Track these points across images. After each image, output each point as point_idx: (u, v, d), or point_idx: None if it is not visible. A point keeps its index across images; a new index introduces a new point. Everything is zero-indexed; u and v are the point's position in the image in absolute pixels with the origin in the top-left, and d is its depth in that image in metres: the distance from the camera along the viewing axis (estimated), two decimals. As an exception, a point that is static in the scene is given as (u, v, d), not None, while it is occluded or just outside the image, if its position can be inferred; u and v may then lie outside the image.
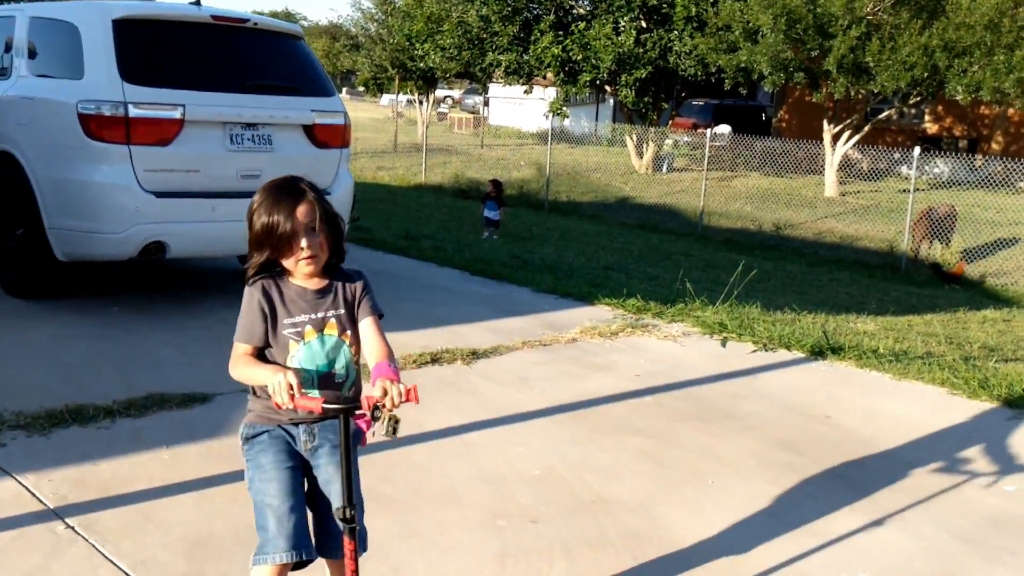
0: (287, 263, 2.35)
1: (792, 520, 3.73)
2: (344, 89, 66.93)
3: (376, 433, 2.19)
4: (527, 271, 8.56)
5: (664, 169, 22.40)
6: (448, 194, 16.43)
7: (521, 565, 3.21)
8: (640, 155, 22.37)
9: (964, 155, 21.23)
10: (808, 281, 10.63)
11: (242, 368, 2.36)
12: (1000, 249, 14.10)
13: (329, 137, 6.74)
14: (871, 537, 3.63)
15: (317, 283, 2.40)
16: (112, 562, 3.04)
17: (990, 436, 4.86)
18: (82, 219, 5.86)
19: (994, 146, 23.65)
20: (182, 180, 6.03)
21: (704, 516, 3.72)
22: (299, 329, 2.38)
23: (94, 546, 3.14)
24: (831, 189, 19.46)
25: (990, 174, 18.60)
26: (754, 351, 6.25)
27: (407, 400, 2.21)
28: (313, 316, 2.39)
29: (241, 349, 2.39)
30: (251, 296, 2.37)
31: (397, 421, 2.21)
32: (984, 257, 13.47)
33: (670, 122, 24.63)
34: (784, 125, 27.48)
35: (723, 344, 6.39)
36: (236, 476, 3.84)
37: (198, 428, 4.26)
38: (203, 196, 6.08)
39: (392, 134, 25.47)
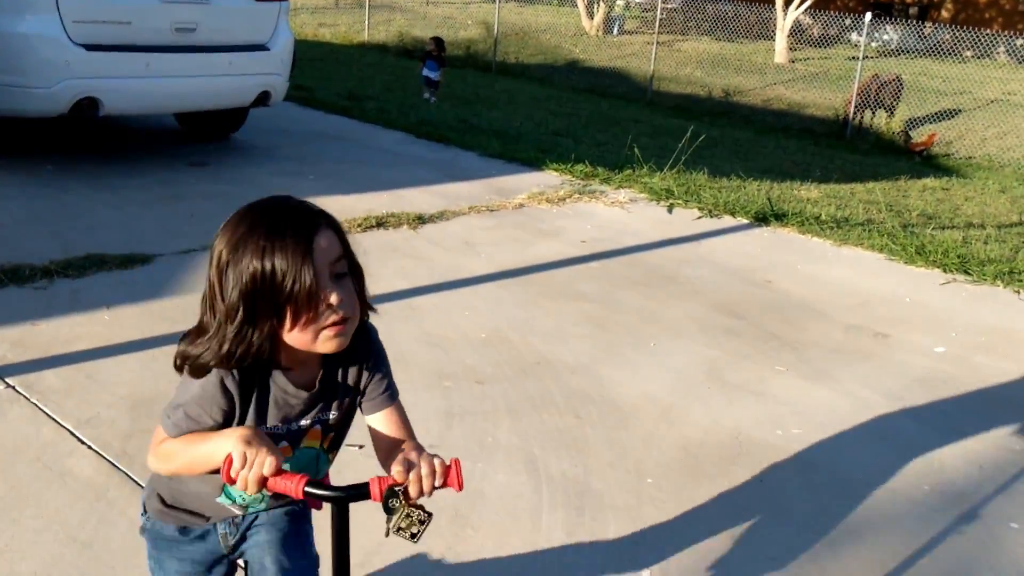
0: (296, 338, 1.41)
1: (729, 380, 3.84)
2: (283, -60, 63.78)
3: (390, 531, 1.38)
4: (474, 135, 8.43)
5: (615, 31, 21.94)
6: (392, 53, 15.93)
7: (467, 424, 3.28)
8: (591, 16, 21.85)
9: (914, 22, 21.11)
10: (755, 148, 10.65)
11: (180, 450, 1.47)
12: (944, 119, 14.22)
13: (267, -10, 6.44)
14: (805, 395, 3.76)
15: (314, 370, 1.53)
16: (56, 421, 3.03)
17: (924, 300, 5.01)
18: (8, 73, 5.57)
19: (944, 14, 23.55)
20: (113, 32, 5.74)
21: (645, 377, 3.81)
22: None
23: (36, 405, 3.12)
24: (781, 55, 19.30)
25: (939, 42, 18.57)
26: (699, 217, 6.29)
27: (445, 484, 1.39)
28: (293, 426, 1.55)
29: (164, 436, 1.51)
30: (214, 382, 1.46)
31: (427, 517, 1.38)
32: (927, 126, 13.58)
33: (622, -18, 24.00)
34: (737, -12, 26.97)
35: (669, 210, 6.42)
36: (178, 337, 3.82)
37: (138, 289, 4.20)
38: (136, 50, 5.81)
39: (334, -10, 24.47)
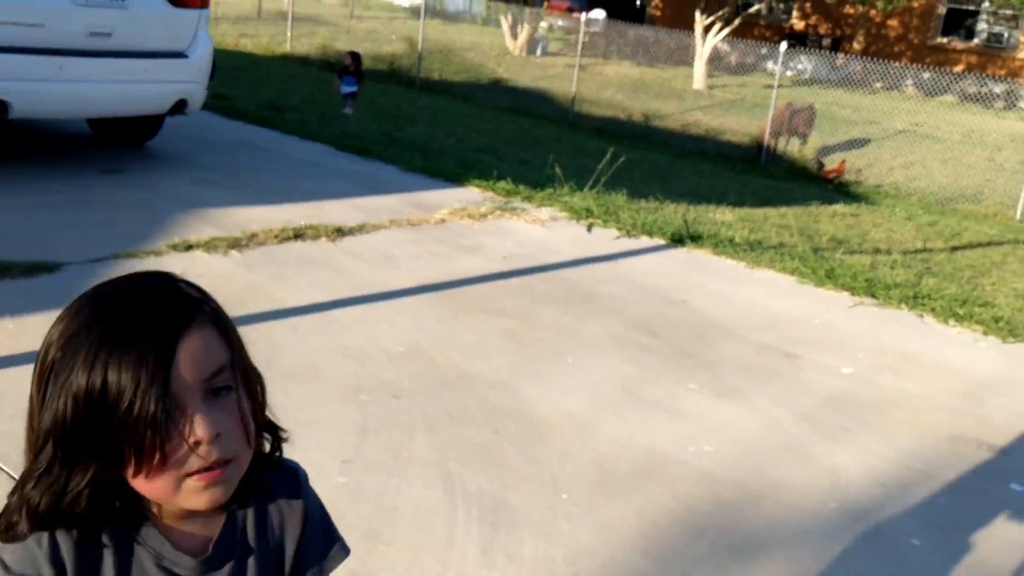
0: (148, 488, 0.97)
1: (644, 396, 3.89)
2: (205, -52, 62.83)
3: None
4: (397, 149, 8.40)
5: (538, 52, 22.15)
6: (315, 66, 15.79)
7: (382, 438, 3.25)
8: (515, 36, 22.03)
9: (827, 53, 21.83)
10: (673, 171, 10.85)
11: None
12: (854, 148, 14.70)
13: (187, -4, 6.33)
14: (717, 413, 3.83)
15: (205, 527, 1.06)
16: (-49, 434, 2.90)
17: (833, 322, 5.16)
18: (-91, 71, 5.36)
19: (856, 46, 24.41)
20: (25, 35, 5.56)
21: (562, 392, 3.83)
22: None
23: (-70, 418, 2.98)
24: (699, 81, 19.73)
25: (850, 73, 19.24)
26: (618, 237, 6.37)
27: None
28: None
29: None
30: (33, 546, 0.98)
31: None
32: (838, 154, 14.02)
33: (545, 4, 24.29)
34: (658, 14, 27.53)
35: (589, 229, 6.49)
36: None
37: (44, 297, 4.05)
38: (49, 53, 5.64)
39: (256, 0, 24.19)
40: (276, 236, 5.28)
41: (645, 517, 3.01)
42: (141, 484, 0.96)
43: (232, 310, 1.06)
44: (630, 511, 3.03)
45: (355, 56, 11.53)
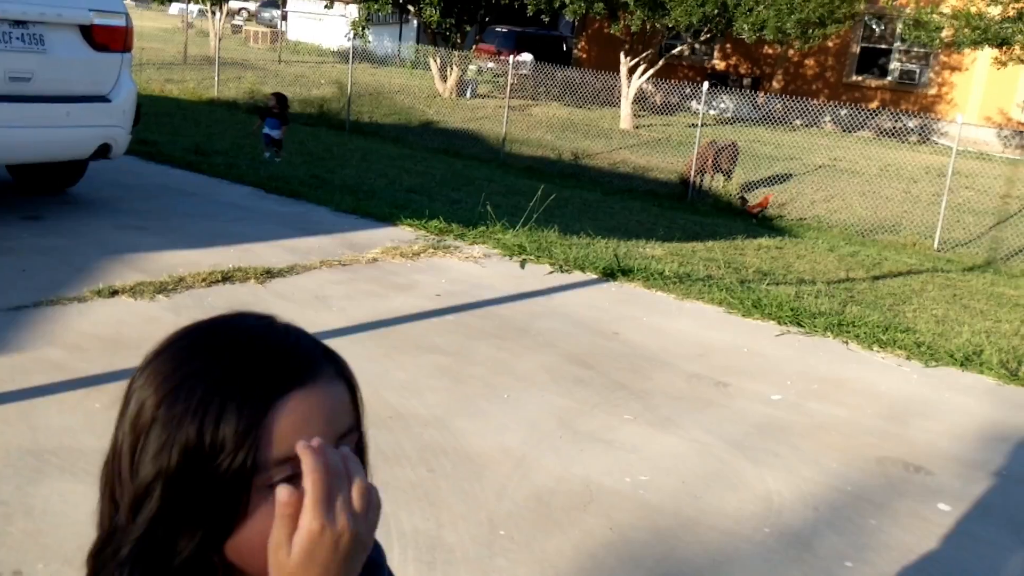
0: (249, 555, 0.83)
1: (580, 429, 3.91)
2: (128, -6, 62.25)
3: None
4: (327, 191, 8.36)
5: (468, 94, 22.34)
6: (243, 110, 15.69)
7: (316, 479, 3.19)
8: (444, 79, 22.19)
9: (748, 92, 22.44)
10: (603, 208, 10.99)
11: None
12: (776, 183, 15.08)
13: (109, 39, 6.26)
14: (651, 442, 3.86)
15: None
16: None
17: (760, 350, 5.25)
18: None
19: (775, 84, 25.13)
20: (-62, 79, 5.45)
21: (497, 428, 3.83)
22: None
23: None
24: (626, 121, 20.08)
25: (771, 111, 19.78)
26: (551, 272, 6.42)
27: None
28: None
29: None
30: None
31: None
32: (761, 189, 14.36)
33: (474, 47, 24.55)
34: (584, 56, 28.02)
35: (522, 265, 6.53)
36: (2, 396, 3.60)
37: (-39, 348, 3.93)
38: (-36, 98, 5.53)
39: (182, 46, 23.99)
40: (204, 279, 5.20)
41: (583, 549, 3.01)
42: (243, 553, 0.83)
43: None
44: (568, 544, 3.03)
45: (280, 97, 11.02)
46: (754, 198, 13.21)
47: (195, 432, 0.80)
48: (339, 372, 0.89)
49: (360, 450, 0.93)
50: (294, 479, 0.80)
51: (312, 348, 0.89)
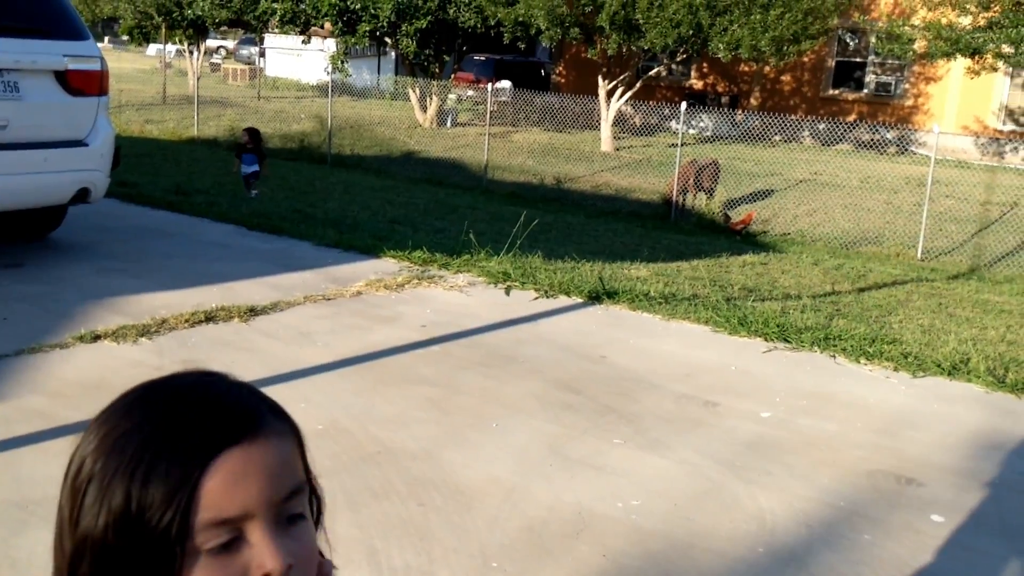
0: None
1: (570, 455, 3.88)
2: (107, 38, 62.35)
3: None
4: (309, 225, 8.35)
5: (448, 123, 22.43)
6: (223, 148, 15.70)
7: (304, 519, 3.16)
8: (424, 109, 22.28)
9: (726, 110, 22.59)
10: (586, 231, 11.01)
11: None
12: (758, 199, 15.16)
13: (84, 84, 6.26)
14: (642, 466, 3.84)
15: None
16: None
17: (748, 368, 5.25)
18: None
19: (753, 101, 25.31)
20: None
21: (487, 458, 3.80)
22: None
23: None
24: (607, 144, 20.18)
25: (750, 128, 19.91)
26: (536, 298, 6.41)
27: None
28: None
29: None
30: None
31: None
32: (744, 206, 14.43)
33: (452, 76, 24.67)
34: (563, 81, 28.18)
35: (507, 292, 6.52)
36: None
37: (-58, 400, 3.88)
38: (-61, 148, 5.51)
39: (160, 86, 24.04)
40: (187, 320, 5.17)
41: (576, 578, 2.98)
42: None
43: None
44: (561, 573, 3.00)
45: (253, 132, 10.76)
46: (737, 215, 13.26)
47: (123, 492, 0.76)
48: (288, 429, 0.85)
49: (314, 502, 0.89)
50: (232, 544, 0.77)
51: (255, 404, 0.84)
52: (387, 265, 7.05)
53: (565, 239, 9.81)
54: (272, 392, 3.32)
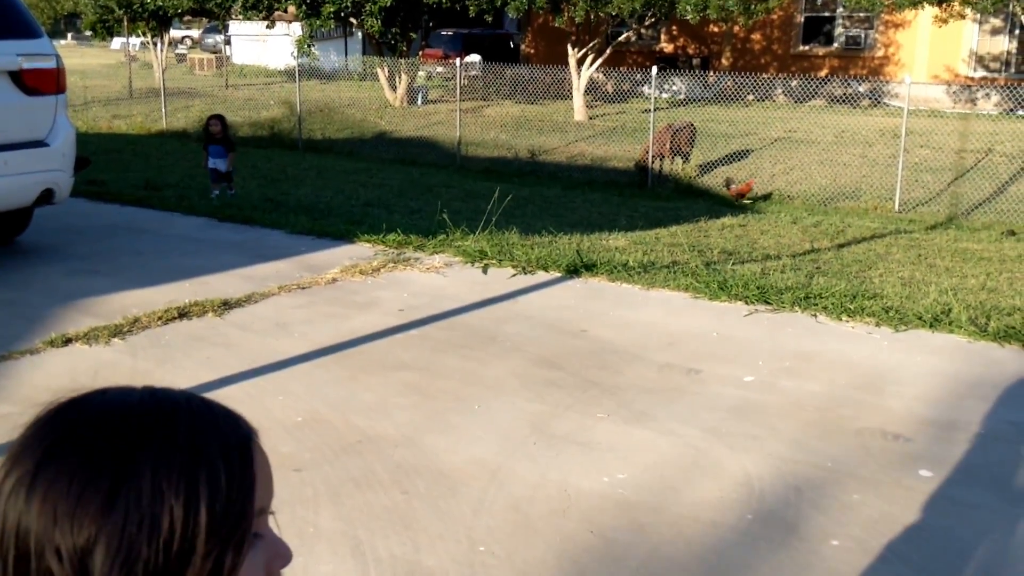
0: None
1: (554, 432, 3.84)
2: (70, 35, 61.51)
3: None
4: (281, 213, 8.24)
5: (419, 101, 22.23)
6: (193, 139, 15.50)
7: (285, 516, 3.10)
8: (393, 88, 22.07)
9: (698, 72, 22.48)
10: (563, 204, 10.93)
11: None
12: (735, 160, 15.11)
13: (40, 83, 6.12)
14: (627, 439, 3.80)
15: None
16: None
17: (730, 332, 5.21)
18: None
19: (724, 62, 25.21)
20: None
21: (470, 441, 3.75)
22: None
23: None
24: (580, 113, 20.05)
25: (722, 89, 19.83)
26: (514, 275, 6.35)
27: None
28: None
29: None
30: None
31: None
32: (720, 168, 14.39)
33: (420, 53, 24.44)
34: (532, 52, 27.98)
35: (484, 271, 6.45)
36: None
37: (-91, 416, 3.80)
38: None
39: (127, 80, 23.70)
40: (160, 318, 5.08)
41: (565, 556, 2.95)
42: None
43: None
44: (549, 552, 2.96)
45: (221, 120, 9.52)
46: (738, 183, 13.01)
47: (182, 504, 0.71)
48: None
49: None
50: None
51: (234, 414, 0.82)
52: (362, 250, 6.96)
53: (542, 213, 9.74)
54: (250, 385, 3.27)
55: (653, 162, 13.57)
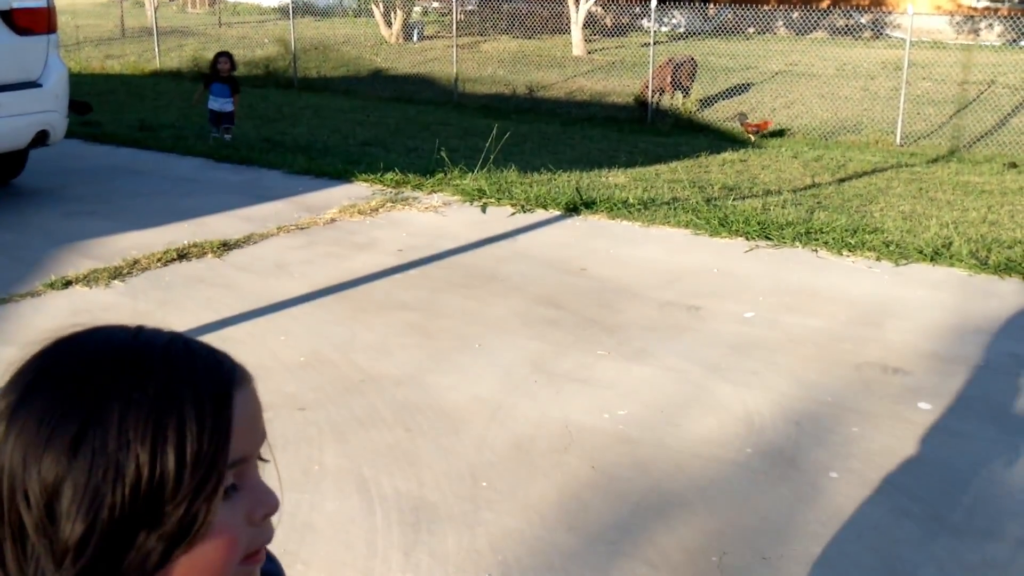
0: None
1: (555, 370, 3.86)
2: (58, -29, 60.45)
3: None
4: (278, 153, 8.18)
5: (415, 38, 21.90)
6: (187, 79, 15.33)
7: (290, 454, 3.14)
8: (389, 24, 21.73)
9: (699, 5, 22.12)
10: (562, 140, 10.84)
11: None
12: (736, 94, 14.94)
13: (31, 22, 6.02)
14: (627, 376, 3.82)
15: None
16: None
17: (730, 269, 5.21)
18: None
19: (725, -5, 24.78)
20: None
21: (472, 379, 3.77)
22: None
23: None
24: (578, 48, 19.77)
25: (723, 22, 19.53)
26: (513, 214, 6.33)
27: None
28: None
29: None
30: None
31: None
32: (721, 102, 14.24)
33: (416, -12, 24.01)
34: (530, -15, 27.49)
35: (483, 210, 6.43)
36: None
37: (-87, 360, 3.81)
38: None
39: (118, 19, 23.32)
40: (159, 259, 5.08)
41: (567, 492, 2.98)
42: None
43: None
44: (551, 488, 3.00)
45: (230, 57, 8.99)
46: (754, 118, 12.79)
47: (139, 460, 0.68)
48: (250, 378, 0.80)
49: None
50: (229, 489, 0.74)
51: (223, 355, 0.79)
52: (360, 189, 6.93)
53: (540, 150, 9.67)
54: (251, 326, 3.28)
55: (653, 97, 13.42)
